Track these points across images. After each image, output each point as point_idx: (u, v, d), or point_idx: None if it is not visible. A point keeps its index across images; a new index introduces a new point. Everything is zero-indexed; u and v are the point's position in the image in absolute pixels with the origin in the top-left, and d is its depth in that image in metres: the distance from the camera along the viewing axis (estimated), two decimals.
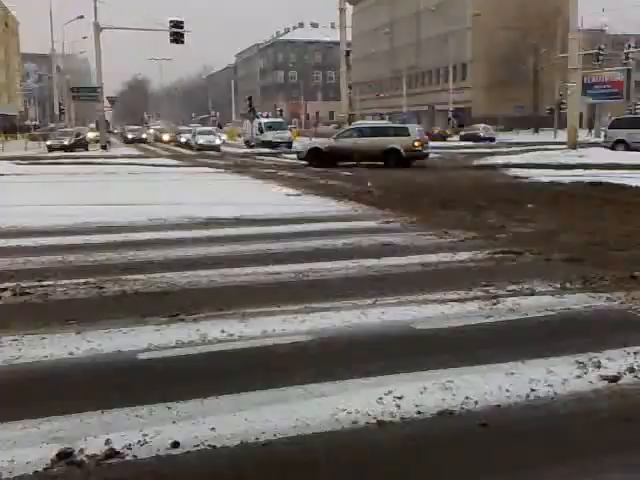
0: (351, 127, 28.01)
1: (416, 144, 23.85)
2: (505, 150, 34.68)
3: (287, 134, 41.66)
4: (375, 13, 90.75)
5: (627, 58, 50.57)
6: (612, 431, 3.30)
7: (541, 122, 64.09)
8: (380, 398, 3.63)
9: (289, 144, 38.98)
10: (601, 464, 3.01)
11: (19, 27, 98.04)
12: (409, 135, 24.17)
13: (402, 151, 23.58)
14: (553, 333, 4.78)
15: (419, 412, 3.49)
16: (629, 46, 52.17)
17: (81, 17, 53.36)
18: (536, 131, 63.93)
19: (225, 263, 7.24)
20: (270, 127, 41.59)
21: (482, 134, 52.32)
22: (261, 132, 41.39)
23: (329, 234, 9.13)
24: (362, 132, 25.42)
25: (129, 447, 3.13)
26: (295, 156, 28.01)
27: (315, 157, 24.83)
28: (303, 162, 25.23)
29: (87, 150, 40.16)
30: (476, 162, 26.06)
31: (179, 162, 29.81)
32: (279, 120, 48.51)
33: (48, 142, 40.56)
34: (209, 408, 3.55)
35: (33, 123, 69.71)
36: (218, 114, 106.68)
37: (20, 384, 3.96)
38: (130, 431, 3.28)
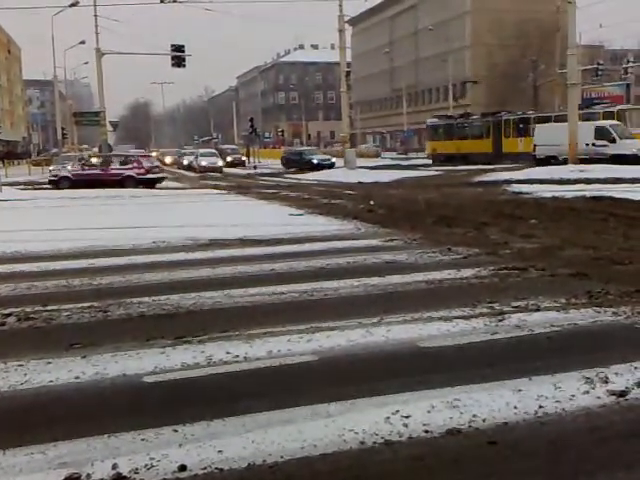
0: None
1: None
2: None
3: (219, 161, 46.56)
4: (374, 33, 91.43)
5: (626, 73, 50.80)
6: (621, 446, 3.28)
7: None
8: (387, 418, 3.61)
9: (220, 169, 44.78)
10: None
11: (21, 54, 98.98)
12: None
13: None
14: (559, 349, 4.76)
15: (427, 431, 3.46)
16: (628, 61, 52.43)
17: (83, 43, 53.93)
18: None
19: (229, 284, 7.24)
20: (203, 155, 48.19)
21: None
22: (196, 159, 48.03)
23: (333, 253, 9.13)
24: None
25: (136, 471, 3.11)
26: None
27: None
28: None
29: None
30: (478, 179, 26.10)
31: (182, 184, 29.94)
32: (211, 150, 54.87)
33: (51, 167, 40.75)
34: (216, 430, 3.53)
35: (36, 149, 70.14)
36: (220, 136, 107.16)
37: (26, 409, 3.95)
38: (137, 455, 3.26)
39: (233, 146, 63.54)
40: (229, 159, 52.58)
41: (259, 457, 3.21)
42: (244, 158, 55.14)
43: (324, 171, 36.57)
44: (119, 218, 14.37)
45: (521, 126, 40.73)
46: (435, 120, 49.38)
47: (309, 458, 3.21)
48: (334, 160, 42.74)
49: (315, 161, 42.70)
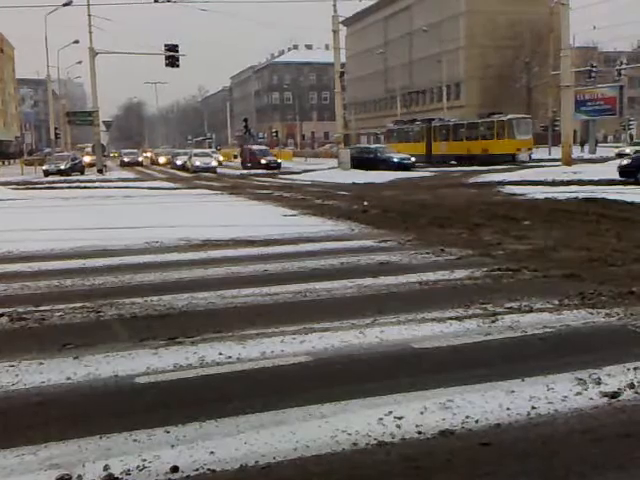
0: None
1: None
2: None
3: (212, 162, 45.30)
4: (369, 34, 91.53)
5: (619, 74, 51.01)
6: (613, 448, 3.28)
7: (535, 139, 64.39)
8: (380, 419, 3.60)
9: (214, 169, 43.05)
10: None
11: (15, 52, 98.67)
12: None
13: None
14: (552, 350, 4.77)
15: (420, 432, 3.46)
16: (621, 63, 52.66)
17: (76, 42, 53.89)
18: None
19: (222, 285, 7.22)
20: (197, 155, 46.95)
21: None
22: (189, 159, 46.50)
23: (326, 254, 9.12)
24: None
25: (128, 472, 3.10)
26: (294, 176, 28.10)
27: None
28: None
29: (83, 174, 40.25)
30: (472, 180, 26.14)
31: (175, 184, 29.86)
32: (206, 151, 55.66)
33: (44, 167, 40.59)
34: (208, 431, 3.53)
35: (28, 148, 69.89)
36: (214, 136, 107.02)
37: (17, 410, 3.93)
38: (129, 456, 3.25)
39: (263, 147, 54.26)
40: (263, 161, 44.33)
41: (251, 458, 3.21)
42: (280, 160, 46.71)
43: (318, 172, 36.44)
44: (112, 218, 14.31)
45: (444, 132, 45.41)
46: (391, 125, 55.28)
47: (302, 459, 3.20)
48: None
49: (396, 159, 35.93)
